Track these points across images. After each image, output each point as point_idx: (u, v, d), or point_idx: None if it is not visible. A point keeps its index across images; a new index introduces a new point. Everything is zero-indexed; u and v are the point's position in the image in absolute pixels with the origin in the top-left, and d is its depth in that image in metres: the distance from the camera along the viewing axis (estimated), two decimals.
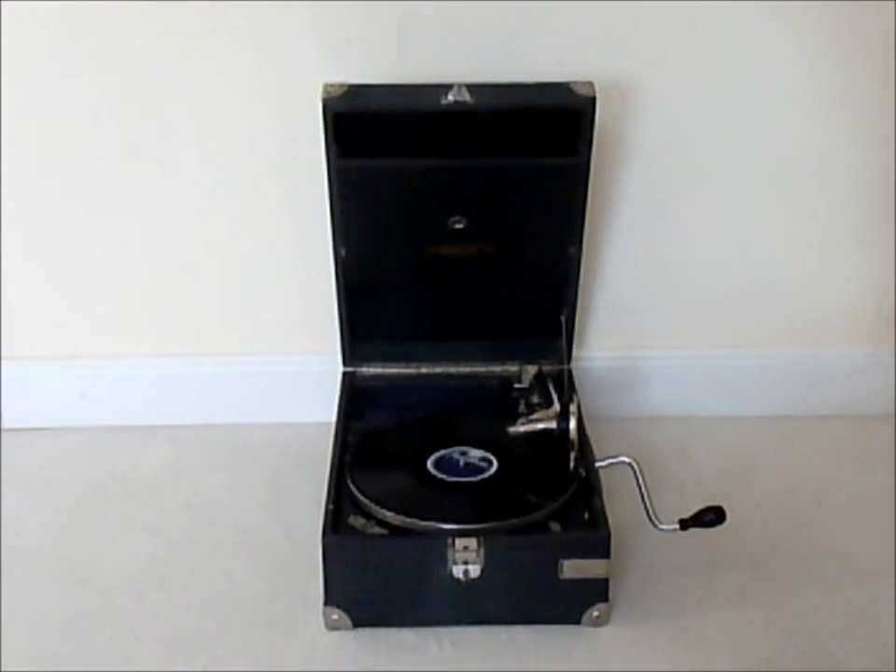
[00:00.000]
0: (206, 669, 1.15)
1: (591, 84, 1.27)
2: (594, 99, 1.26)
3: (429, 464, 1.28)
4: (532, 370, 1.45)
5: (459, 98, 1.24)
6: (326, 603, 1.18)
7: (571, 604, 1.19)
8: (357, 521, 1.21)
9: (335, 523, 1.19)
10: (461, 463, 1.29)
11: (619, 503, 1.24)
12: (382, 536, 1.19)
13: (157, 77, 1.42)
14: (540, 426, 1.31)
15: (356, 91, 1.27)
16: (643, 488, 1.22)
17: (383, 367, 1.48)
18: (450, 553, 1.15)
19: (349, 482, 1.26)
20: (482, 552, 1.15)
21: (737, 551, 1.31)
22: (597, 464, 1.25)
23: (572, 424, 1.24)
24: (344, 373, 1.47)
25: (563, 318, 1.43)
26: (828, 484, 1.46)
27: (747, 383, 1.60)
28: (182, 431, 1.57)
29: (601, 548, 1.16)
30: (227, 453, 1.53)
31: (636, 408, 1.60)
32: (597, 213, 1.47)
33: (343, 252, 1.38)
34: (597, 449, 1.30)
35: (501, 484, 1.26)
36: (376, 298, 1.44)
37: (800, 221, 1.52)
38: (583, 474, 1.26)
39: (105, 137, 1.45)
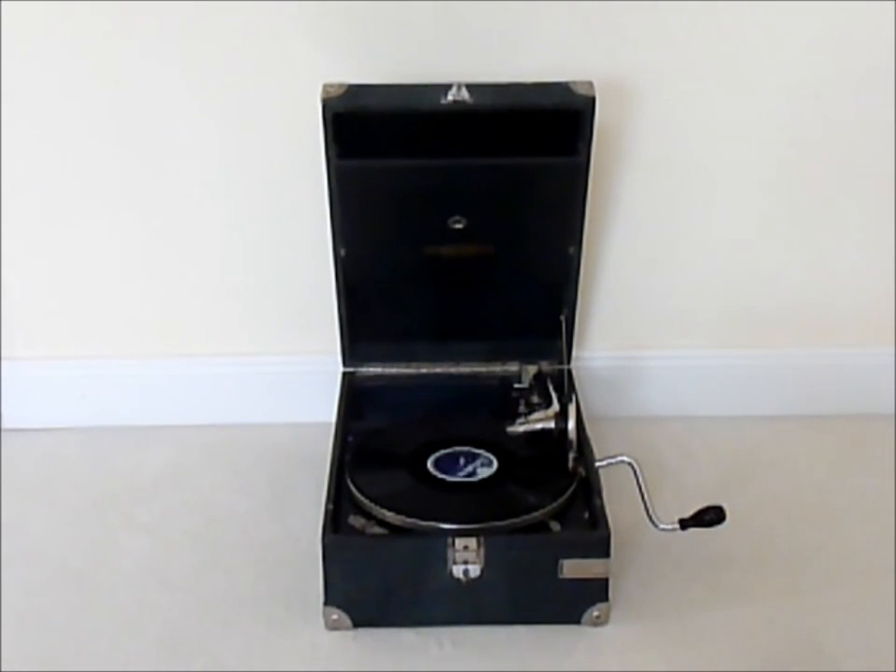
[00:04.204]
0: (206, 669, 1.15)
1: (591, 84, 1.27)
2: (593, 99, 1.26)
3: (429, 464, 1.28)
4: (532, 370, 1.45)
5: (459, 98, 1.24)
6: (326, 603, 1.18)
7: (571, 604, 1.19)
8: (357, 521, 1.21)
9: (335, 523, 1.19)
10: (461, 463, 1.29)
11: (619, 503, 1.24)
12: (382, 536, 1.19)
13: (157, 78, 1.42)
14: (539, 426, 1.31)
15: (355, 91, 1.27)
16: (643, 488, 1.22)
17: (383, 367, 1.48)
18: (450, 553, 1.15)
19: (349, 482, 1.26)
20: (482, 552, 1.15)
21: (737, 551, 1.31)
22: (597, 464, 1.25)
23: (571, 424, 1.24)
24: (344, 373, 1.47)
25: (563, 318, 1.43)
26: (828, 484, 1.46)
27: (747, 383, 1.60)
28: (182, 431, 1.57)
29: (601, 548, 1.16)
30: (227, 453, 1.53)
31: (636, 408, 1.60)
32: (597, 213, 1.47)
33: (343, 252, 1.38)
34: (597, 449, 1.30)
35: (501, 484, 1.26)
36: (376, 298, 1.44)
37: (800, 221, 1.52)
38: (583, 474, 1.26)
39: (105, 137, 1.45)
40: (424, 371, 1.48)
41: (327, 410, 1.41)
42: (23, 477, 1.49)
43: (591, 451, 1.29)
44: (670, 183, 1.49)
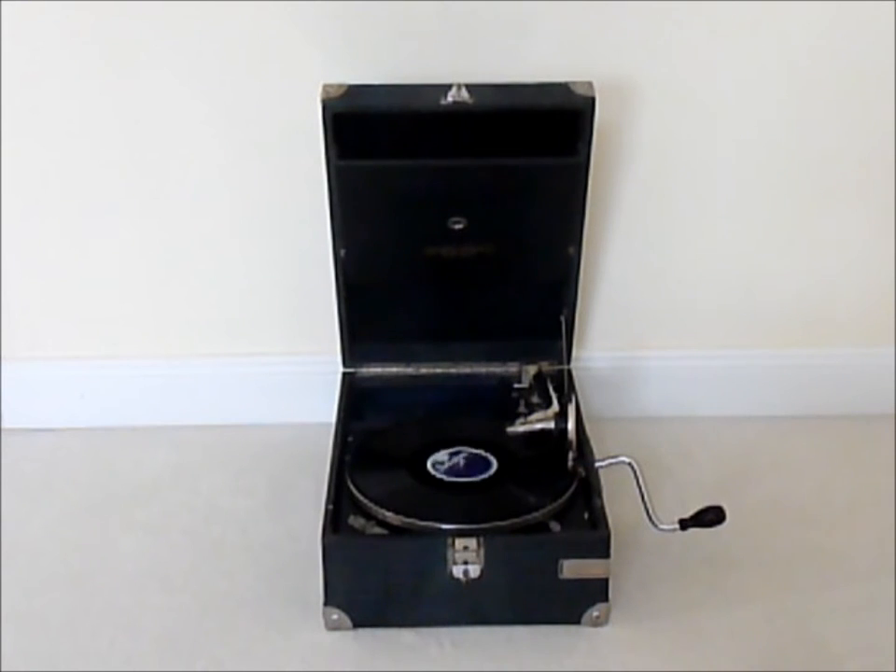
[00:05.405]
0: (206, 669, 1.15)
1: (590, 84, 1.27)
2: (593, 99, 1.26)
3: (429, 464, 1.28)
4: (532, 370, 1.45)
5: (459, 98, 1.24)
6: (326, 603, 1.18)
7: (571, 604, 1.19)
8: (356, 521, 1.21)
9: (335, 523, 1.19)
10: (461, 463, 1.29)
11: (619, 503, 1.24)
12: (382, 536, 1.19)
13: (156, 78, 1.41)
14: (539, 426, 1.31)
15: (355, 91, 1.27)
16: (643, 488, 1.22)
17: (383, 367, 1.48)
18: (450, 553, 1.15)
19: (349, 482, 1.26)
20: (481, 552, 1.15)
21: (737, 551, 1.31)
22: (597, 464, 1.25)
23: (570, 424, 1.24)
24: (344, 374, 1.47)
25: (563, 318, 1.43)
26: (828, 484, 1.46)
27: (747, 383, 1.60)
28: (182, 431, 1.57)
29: (601, 548, 1.16)
30: (227, 453, 1.53)
31: (636, 408, 1.60)
32: (597, 213, 1.47)
33: (342, 252, 1.38)
34: (597, 449, 1.30)
35: (501, 484, 1.26)
36: (376, 298, 1.44)
37: (800, 222, 1.52)
38: (583, 474, 1.26)
39: (104, 138, 1.45)
40: (424, 371, 1.48)
41: (327, 410, 1.41)
42: (23, 477, 1.49)
43: (591, 451, 1.29)
44: (670, 183, 1.49)
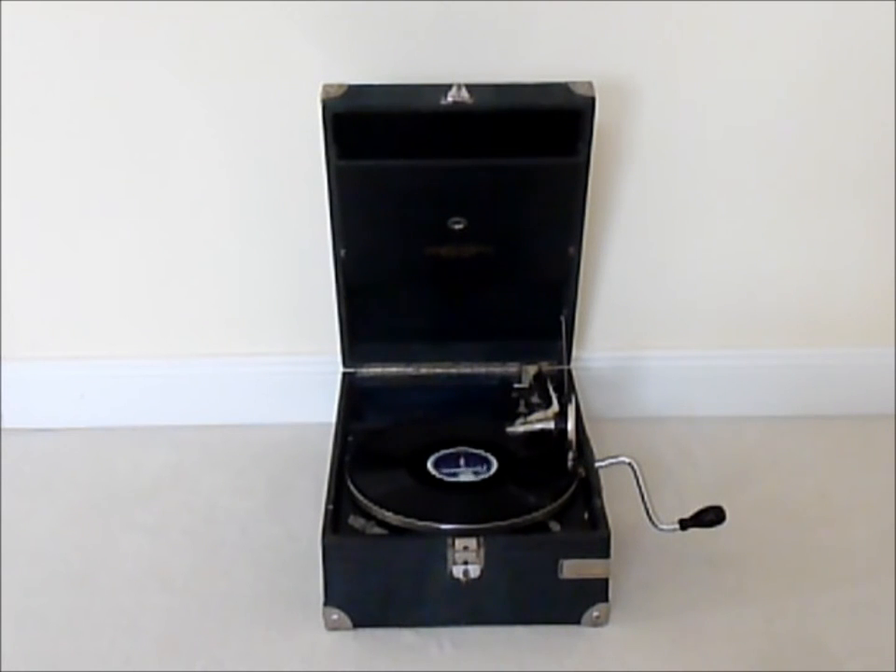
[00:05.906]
0: (206, 669, 1.15)
1: (590, 84, 1.27)
2: (593, 99, 1.26)
3: (429, 464, 1.28)
4: (532, 370, 1.45)
5: (459, 98, 1.24)
6: (326, 603, 1.18)
7: (571, 604, 1.19)
8: (356, 521, 1.21)
9: (335, 523, 1.19)
10: (461, 463, 1.29)
11: (619, 503, 1.24)
12: (382, 536, 1.19)
13: (156, 78, 1.41)
14: (539, 426, 1.31)
15: (355, 91, 1.27)
16: (643, 488, 1.22)
17: (383, 367, 1.48)
18: (450, 553, 1.15)
19: (349, 482, 1.26)
20: (481, 552, 1.15)
21: (737, 551, 1.31)
22: (597, 464, 1.25)
23: (570, 424, 1.24)
24: (344, 374, 1.47)
25: (563, 318, 1.43)
26: (828, 484, 1.46)
27: (747, 383, 1.60)
28: (182, 432, 1.57)
29: (601, 548, 1.16)
30: (227, 453, 1.53)
31: (636, 408, 1.60)
32: (597, 213, 1.47)
33: (343, 252, 1.38)
34: (597, 449, 1.30)
35: (501, 484, 1.26)
36: (376, 298, 1.44)
37: (800, 221, 1.52)
38: (583, 474, 1.26)
39: (104, 137, 1.45)
40: (424, 371, 1.48)
41: (327, 410, 1.41)
42: (23, 477, 1.49)
43: (591, 451, 1.29)
44: (670, 183, 1.49)
